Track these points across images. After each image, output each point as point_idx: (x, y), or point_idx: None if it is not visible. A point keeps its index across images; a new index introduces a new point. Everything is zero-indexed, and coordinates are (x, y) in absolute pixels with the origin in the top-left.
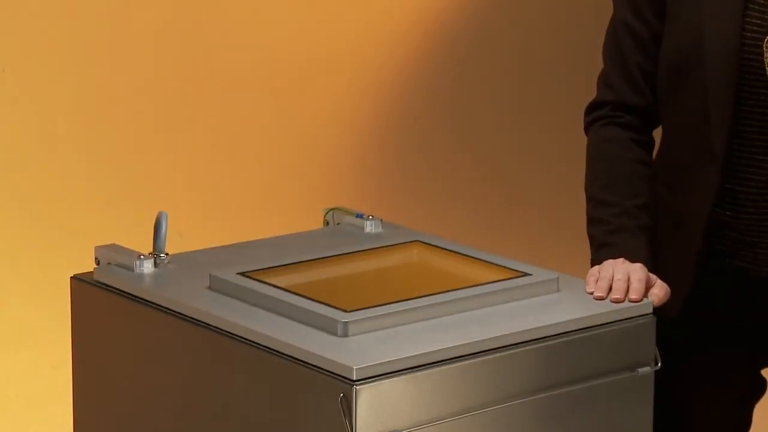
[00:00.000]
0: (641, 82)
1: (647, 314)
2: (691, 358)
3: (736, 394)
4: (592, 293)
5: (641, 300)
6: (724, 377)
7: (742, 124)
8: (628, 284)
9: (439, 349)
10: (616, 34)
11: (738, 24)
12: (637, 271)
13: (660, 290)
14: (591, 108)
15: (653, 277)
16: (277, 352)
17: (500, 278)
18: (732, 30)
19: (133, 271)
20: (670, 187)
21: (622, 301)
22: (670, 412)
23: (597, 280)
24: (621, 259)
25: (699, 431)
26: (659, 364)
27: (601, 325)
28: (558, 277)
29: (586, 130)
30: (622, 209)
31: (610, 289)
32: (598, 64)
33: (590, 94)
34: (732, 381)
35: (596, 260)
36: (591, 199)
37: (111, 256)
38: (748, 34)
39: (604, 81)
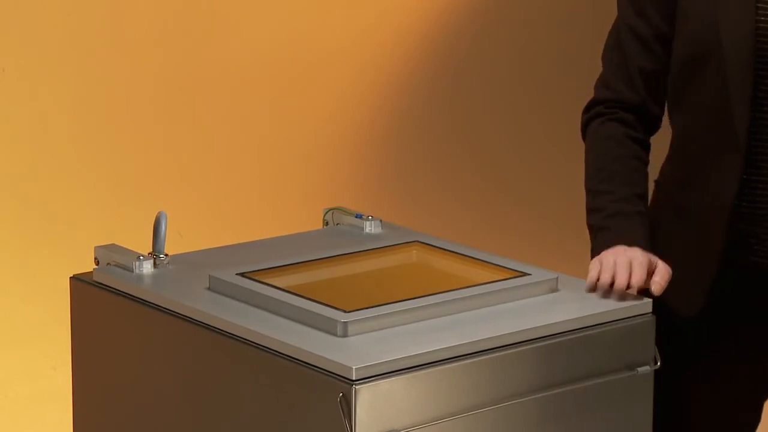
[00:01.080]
0: (641, 85)
1: (646, 314)
2: (705, 353)
3: (749, 390)
4: (595, 283)
5: (643, 284)
6: (738, 374)
7: (759, 111)
8: (630, 271)
9: (438, 349)
10: (618, 37)
11: (751, 11)
12: (638, 257)
13: (662, 278)
14: (587, 107)
15: (654, 260)
16: (277, 352)
17: (499, 278)
18: (746, 18)
19: (133, 271)
20: (683, 185)
21: (626, 288)
22: (679, 408)
23: (599, 271)
24: (621, 247)
25: (708, 427)
26: (659, 364)
27: (600, 324)
28: (557, 277)
29: (584, 128)
30: (619, 196)
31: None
32: (598, 64)
33: (590, 94)
34: (745, 377)
35: (595, 245)
36: (589, 192)
37: (111, 256)
38: (762, 18)
39: (602, 83)
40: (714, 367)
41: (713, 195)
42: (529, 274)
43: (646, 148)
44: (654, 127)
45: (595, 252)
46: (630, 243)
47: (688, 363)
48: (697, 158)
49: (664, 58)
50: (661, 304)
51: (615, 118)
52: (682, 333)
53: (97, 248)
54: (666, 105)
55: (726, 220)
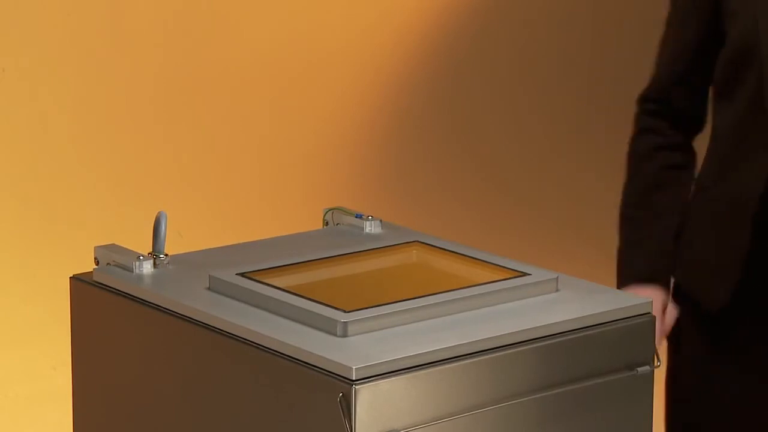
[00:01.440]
0: (679, 88)
1: (646, 314)
2: (723, 347)
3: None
4: None
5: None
6: (763, 371)
7: None
8: None
9: (438, 349)
10: (661, 41)
11: None
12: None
13: (667, 325)
14: (638, 99)
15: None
16: (277, 352)
17: (500, 278)
18: None
19: (133, 271)
20: (717, 181)
21: None
22: (692, 404)
23: None
24: (636, 287)
25: (721, 425)
26: (659, 363)
27: (600, 324)
28: (557, 277)
29: (634, 120)
30: (638, 225)
31: None
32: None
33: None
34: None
35: (617, 276)
36: (620, 215)
37: (110, 256)
38: None
39: (649, 82)
40: (729, 363)
41: (742, 190)
42: (529, 274)
43: (683, 147)
44: (695, 128)
45: (618, 284)
46: (644, 280)
47: (705, 357)
48: (731, 155)
49: (702, 64)
50: (685, 297)
51: (650, 127)
52: (703, 326)
53: (97, 248)
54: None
55: (751, 216)
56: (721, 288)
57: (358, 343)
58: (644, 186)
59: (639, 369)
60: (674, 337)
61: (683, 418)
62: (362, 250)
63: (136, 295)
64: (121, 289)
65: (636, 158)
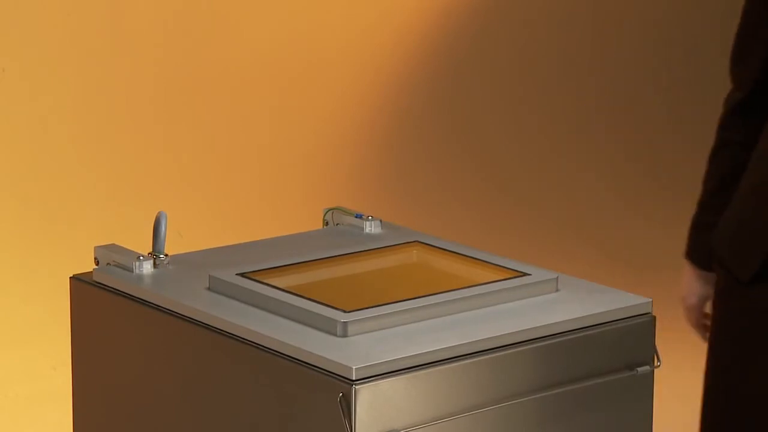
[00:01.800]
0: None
1: (646, 314)
2: (754, 323)
3: None
4: None
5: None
6: None
7: None
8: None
9: (438, 349)
10: (745, 43)
11: None
12: (685, 300)
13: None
14: (726, 98)
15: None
16: (277, 352)
17: (500, 278)
18: None
19: (133, 271)
20: (766, 154)
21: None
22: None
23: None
24: (687, 272)
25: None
26: (659, 364)
27: (600, 324)
28: (557, 277)
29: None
30: (700, 219)
31: None
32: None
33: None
34: None
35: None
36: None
37: (110, 256)
38: None
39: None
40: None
41: None
42: (529, 274)
43: (746, 140)
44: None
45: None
46: (697, 262)
47: (757, 329)
48: None
49: None
50: (721, 265)
51: (726, 123)
52: (737, 292)
53: (97, 248)
54: None
55: None
56: (752, 258)
57: (358, 343)
58: (715, 186)
59: (639, 369)
60: (714, 303)
61: (723, 380)
62: (362, 250)
63: (136, 295)
64: (121, 289)
65: (714, 151)
